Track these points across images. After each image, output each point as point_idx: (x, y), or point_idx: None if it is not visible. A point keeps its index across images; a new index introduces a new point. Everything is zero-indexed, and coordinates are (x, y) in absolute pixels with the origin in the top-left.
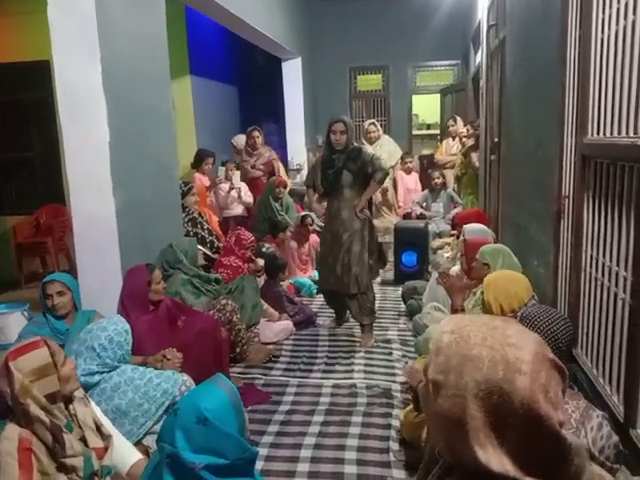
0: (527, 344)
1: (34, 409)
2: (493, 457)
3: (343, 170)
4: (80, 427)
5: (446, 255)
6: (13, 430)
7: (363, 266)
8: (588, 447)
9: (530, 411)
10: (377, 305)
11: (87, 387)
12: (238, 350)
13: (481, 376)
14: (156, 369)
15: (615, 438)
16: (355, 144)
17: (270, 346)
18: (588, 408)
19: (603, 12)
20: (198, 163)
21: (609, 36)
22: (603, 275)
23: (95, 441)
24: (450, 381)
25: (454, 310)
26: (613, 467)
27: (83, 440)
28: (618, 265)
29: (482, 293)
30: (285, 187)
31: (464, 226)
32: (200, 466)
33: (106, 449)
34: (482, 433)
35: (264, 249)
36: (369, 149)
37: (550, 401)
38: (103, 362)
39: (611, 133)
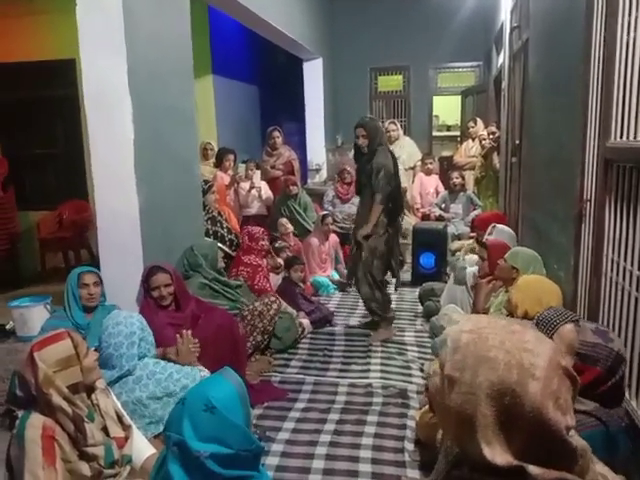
0: (543, 351)
1: (57, 399)
2: (498, 455)
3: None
4: (102, 416)
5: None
6: (38, 419)
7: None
8: None
9: (539, 415)
10: (394, 306)
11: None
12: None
13: (496, 377)
14: (174, 361)
15: None
16: (381, 145)
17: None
18: None
19: (630, 15)
20: (219, 161)
21: (635, 39)
22: (624, 279)
23: (116, 430)
24: (465, 379)
25: (476, 311)
26: None
27: (105, 429)
28: (639, 269)
29: (504, 295)
30: (294, 184)
31: (496, 225)
32: (205, 454)
33: (127, 439)
34: (490, 430)
35: (277, 244)
36: None
37: (560, 407)
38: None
39: (635, 137)
